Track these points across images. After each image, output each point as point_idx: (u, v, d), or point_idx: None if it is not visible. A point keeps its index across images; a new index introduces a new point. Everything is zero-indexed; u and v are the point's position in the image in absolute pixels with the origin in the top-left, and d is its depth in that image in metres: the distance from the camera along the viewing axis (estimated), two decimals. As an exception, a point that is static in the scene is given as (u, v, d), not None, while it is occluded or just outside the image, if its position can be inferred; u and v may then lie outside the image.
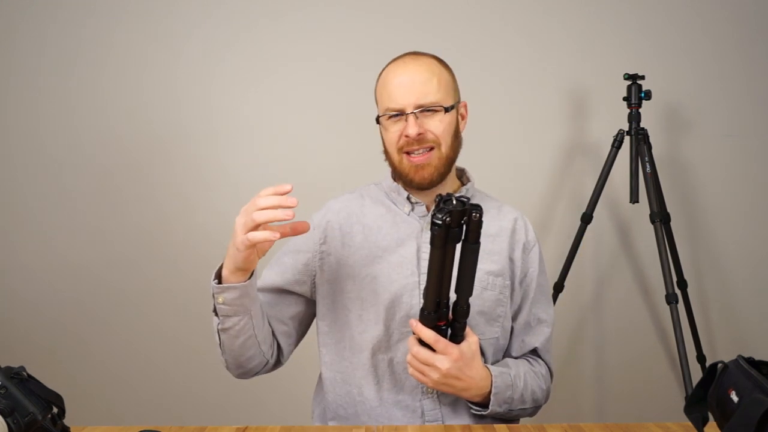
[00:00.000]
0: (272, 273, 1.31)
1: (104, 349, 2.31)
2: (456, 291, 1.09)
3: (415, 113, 1.21)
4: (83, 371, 2.30)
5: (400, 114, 1.23)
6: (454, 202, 1.03)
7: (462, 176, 1.36)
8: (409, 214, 1.29)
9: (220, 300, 1.15)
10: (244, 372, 1.26)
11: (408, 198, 1.29)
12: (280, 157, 2.30)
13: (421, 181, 1.25)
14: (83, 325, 2.31)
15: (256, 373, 1.28)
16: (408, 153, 1.24)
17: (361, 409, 1.26)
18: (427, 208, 1.29)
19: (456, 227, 1.03)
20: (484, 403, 1.20)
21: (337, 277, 1.27)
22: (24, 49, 2.29)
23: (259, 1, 2.29)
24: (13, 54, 2.28)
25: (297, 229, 1.10)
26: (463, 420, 1.23)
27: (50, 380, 0.99)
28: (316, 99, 2.30)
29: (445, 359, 1.11)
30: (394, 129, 1.24)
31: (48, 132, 2.30)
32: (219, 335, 1.20)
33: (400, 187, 1.31)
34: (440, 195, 1.05)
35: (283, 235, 1.09)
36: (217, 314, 1.17)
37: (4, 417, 0.85)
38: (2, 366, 0.92)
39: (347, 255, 1.27)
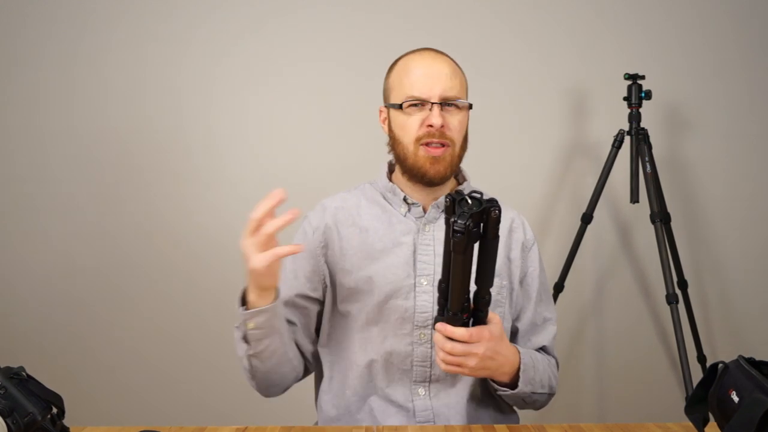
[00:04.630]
0: (285, 288, 1.27)
1: (104, 349, 2.31)
2: (477, 283, 1.06)
3: (439, 104, 1.21)
4: (83, 371, 2.30)
5: (422, 104, 1.22)
6: (469, 201, 0.99)
7: (458, 175, 1.35)
8: (405, 216, 1.28)
9: (251, 326, 1.12)
10: (277, 390, 1.25)
11: (405, 199, 1.28)
12: (279, 157, 2.30)
13: (435, 174, 1.23)
14: (83, 325, 2.30)
15: (287, 389, 1.27)
16: (426, 144, 1.22)
17: (355, 408, 1.26)
18: (424, 209, 1.28)
19: (475, 228, 1.00)
20: (511, 384, 1.19)
21: (334, 280, 1.27)
22: (24, 48, 2.28)
23: (259, 3, 2.29)
24: (13, 54, 2.28)
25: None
26: (455, 419, 1.24)
27: (50, 380, 0.99)
28: (315, 99, 2.30)
29: (480, 344, 1.08)
30: (415, 118, 1.22)
31: (48, 132, 2.29)
32: (249, 361, 1.17)
33: (396, 187, 1.29)
34: (450, 195, 1.00)
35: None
36: (246, 341, 1.14)
37: (4, 417, 0.85)
38: (2, 366, 0.92)
39: (344, 257, 1.27)
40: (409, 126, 1.23)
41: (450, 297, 1.06)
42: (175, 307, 2.31)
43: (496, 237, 1.01)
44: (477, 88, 2.23)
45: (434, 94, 1.21)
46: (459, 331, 1.07)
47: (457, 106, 1.23)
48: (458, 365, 1.10)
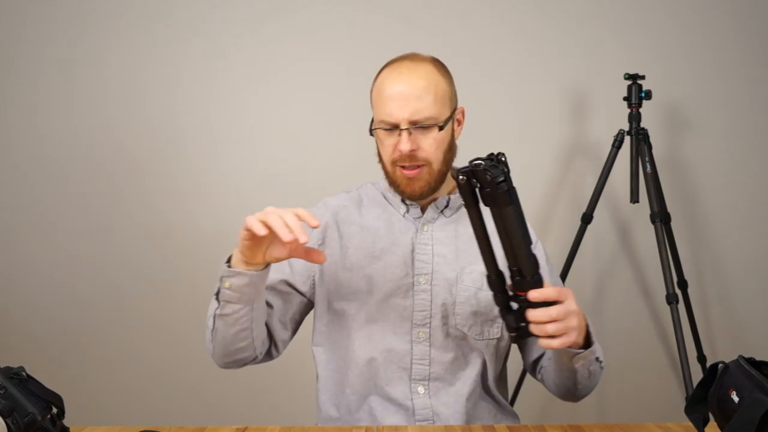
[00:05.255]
0: (273, 272, 1.28)
1: (104, 349, 2.31)
2: (518, 247, 0.99)
3: (409, 129, 1.20)
4: (83, 371, 2.30)
5: (393, 128, 1.21)
6: (483, 163, 0.96)
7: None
8: (404, 216, 1.29)
9: (227, 284, 1.11)
10: (230, 361, 1.22)
11: (403, 200, 1.30)
12: (279, 157, 2.30)
13: (412, 193, 1.25)
14: (83, 325, 2.30)
15: (243, 365, 1.25)
16: (402, 167, 1.23)
17: (355, 407, 1.26)
18: (422, 210, 1.29)
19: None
20: (585, 343, 1.13)
21: (334, 278, 1.28)
22: (24, 49, 2.28)
23: (259, 3, 2.29)
24: (13, 54, 2.28)
25: (311, 256, 1.09)
26: (456, 418, 1.24)
27: (50, 380, 0.99)
28: (315, 99, 2.30)
29: (570, 300, 1.01)
30: (388, 142, 1.23)
31: (48, 132, 2.29)
32: (214, 320, 1.16)
33: None
34: (462, 173, 0.97)
35: (292, 254, 1.09)
36: (218, 298, 1.14)
37: (4, 417, 0.85)
38: (2, 366, 0.92)
39: (345, 256, 1.28)
40: (385, 149, 1.25)
41: (520, 262, 0.98)
42: (176, 307, 2.30)
43: (513, 188, 0.97)
44: (476, 88, 2.23)
45: (403, 118, 1.19)
46: (550, 291, 0.99)
47: (430, 126, 1.21)
48: (566, 332, 1.00)
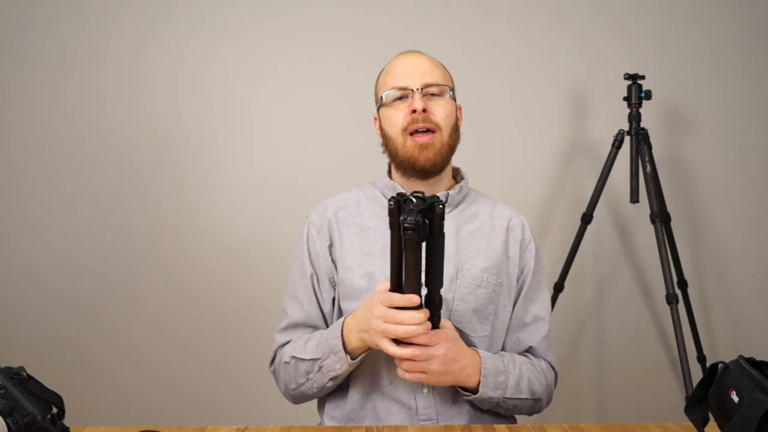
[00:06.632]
0: (303, 307, 1.30)
1: (104, 350, 2.31)
2: (427, 285, 1.06)
3: (421, 90, 1.24)
4: (83, 371, 2.30)
5: (405, 97, 1.25)
6: (414, 200, 1.00)
7: (456, 175, 1.37)
8: None
9: (340, 368, 1.18)
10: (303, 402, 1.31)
11: None
12: (279, 157, 2.30)
13: (425, 162, 1.25)
14: (83, 325, 2.30)
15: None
16: (412, 134, 1.24)
17: (358, 406, 1.26)
18: None
19: (424, 224, 1.01)
20: (476, 389, 1.19)
21: (339, 278, 1.28)
22: (24, 49, 2.28)
23: (259, 2, 2.29)
24: (13, 54, 2.28)
25: None
26: (459, 418, 1.24)
27: (50, 380, 0.99)
28: (315, 99, 2.30)
29: (440, 345, 1.10)
30: (400, 109, 1.26)
31: (48, 132, 2.30)
32: (301, 384, 1.23)
33: (396, 184, 1.31)
34: (394, 198, 1.02)
35: None
36: (319, 370, 1.20)
37: (4, 417, 0.85)
38: (2, 366, 0.92)
39: (346, 255, 1.28)
40: (395, 118, 1.26)
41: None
42: (176, 307, 2.31)
43: (442, 234, 1.02)
44: (477, 88, 2.23)
45: (414, 81, 1.25)
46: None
47: (440, 94, 1.26)
48: (421, 371, 1.11)
